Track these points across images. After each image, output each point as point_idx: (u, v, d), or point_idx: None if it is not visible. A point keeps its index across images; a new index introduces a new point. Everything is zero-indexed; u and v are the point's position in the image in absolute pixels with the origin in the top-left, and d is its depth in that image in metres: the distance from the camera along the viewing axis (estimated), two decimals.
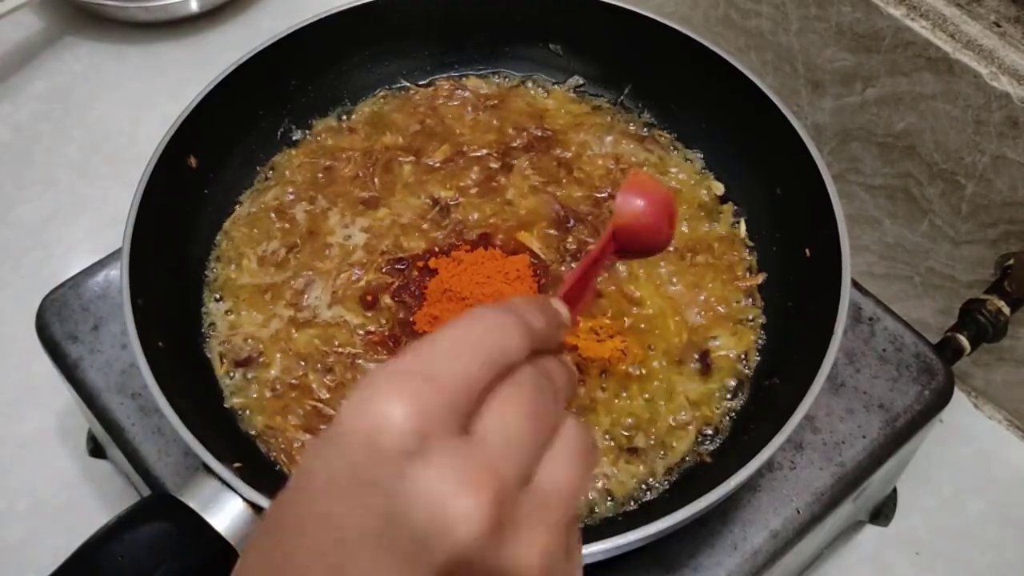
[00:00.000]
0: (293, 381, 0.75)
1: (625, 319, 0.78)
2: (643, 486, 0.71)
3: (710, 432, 0.73)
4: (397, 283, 0.79)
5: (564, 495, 0.38)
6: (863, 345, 0.80)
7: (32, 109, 1.16)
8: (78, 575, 0.58)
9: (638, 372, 0.75)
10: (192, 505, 0.61)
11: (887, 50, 0.87)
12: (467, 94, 0.93)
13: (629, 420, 0.73)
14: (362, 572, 0.34)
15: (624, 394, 0.74)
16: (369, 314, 0.78)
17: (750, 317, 0.79)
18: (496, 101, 0.92)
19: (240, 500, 0.61)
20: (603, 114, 0.91)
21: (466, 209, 0.84)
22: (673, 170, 0.87)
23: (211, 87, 0.81)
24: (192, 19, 1.23)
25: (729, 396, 0.75)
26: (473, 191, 0.85)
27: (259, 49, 0.84)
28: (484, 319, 0.40)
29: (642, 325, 0.78)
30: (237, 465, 0.63)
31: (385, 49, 0.92)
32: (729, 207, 0.85)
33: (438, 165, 0.87)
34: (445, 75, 0.94)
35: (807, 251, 0.77)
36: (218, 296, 0.79)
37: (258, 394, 0.74)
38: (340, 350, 0.76)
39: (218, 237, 0.83)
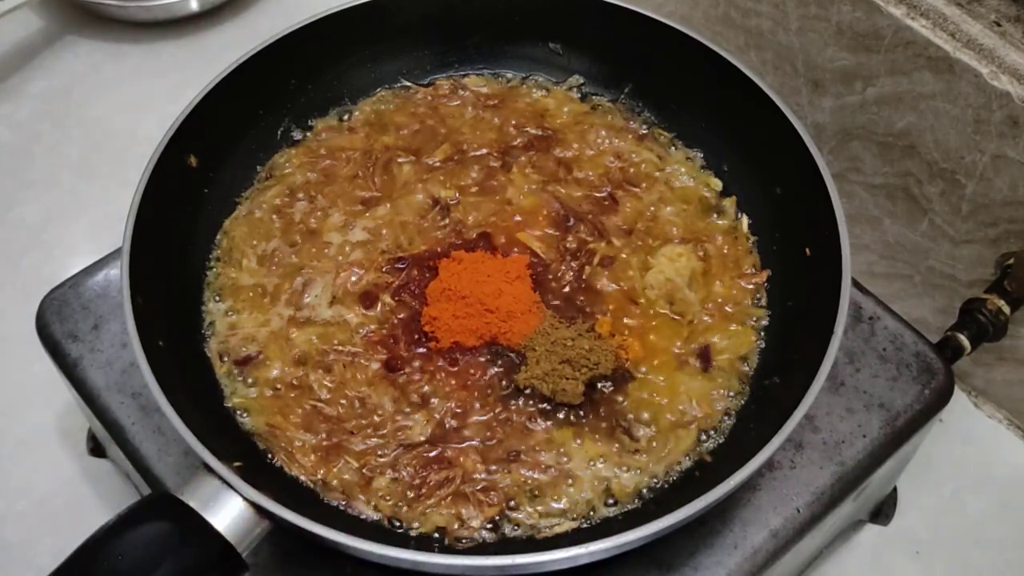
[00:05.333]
0: (293, 381, 0.75)
1: (625, 318, 0.78)
2: (643, 486, 0.71)
3: (710, 432, 0.73)
4: (397, 282, 0.79)
5: None
6: (863, 344, 0.80)
7: (32, 109, 1.16)
8: (78, 574, 0.58)
9: (638, 372, 0.75)
10: (192, 504, 0.61)
11: (887, 49, 0.87)
12: (467, 93, 0.93)
13: (629, 419, 0.73)
14: None
15: (624, 394, 0.74)
16: (369, 313, 0.78)
17: (754, 318, 0.79)
18: (496, 100, 0.92)
19: (240, 499, 0.61)
20: (603, 113, 0.91)
21: (466, 208, 0.84)
22: (673, 168, 0.87)
23: (211, 87, 0.81)
24: (192, 19, 1.23)
25: (730, 395, 0.75)
26: (473, 190, 0.85)
27: (259, 49, 0.84)
28: None
29: (642, 324, 0.78)
30: (237, 464, 0.63)
31: (385, 49, 0.92)
32: (732, 200, 0.85)
33: (438, 164, 0.87)
34: (445, 74, 0.94)
35: (807, 250, 0.77)
36: (218, 295, 0.79)
37: (258, 393, 0.74)
38: (340, 349, 0.76)
39: (218, 237, 0.83)
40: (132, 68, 1.20)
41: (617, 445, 0.72)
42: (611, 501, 0.70)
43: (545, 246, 0.82)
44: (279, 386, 0.75)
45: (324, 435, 0.72)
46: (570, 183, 0.86)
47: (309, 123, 0.90)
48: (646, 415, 0.73)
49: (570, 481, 0.70)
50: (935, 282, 0.95)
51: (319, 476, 0.71)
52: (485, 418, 0.73)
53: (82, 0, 1.22)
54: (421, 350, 0.76)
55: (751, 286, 0.80)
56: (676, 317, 0.78)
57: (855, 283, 0.81)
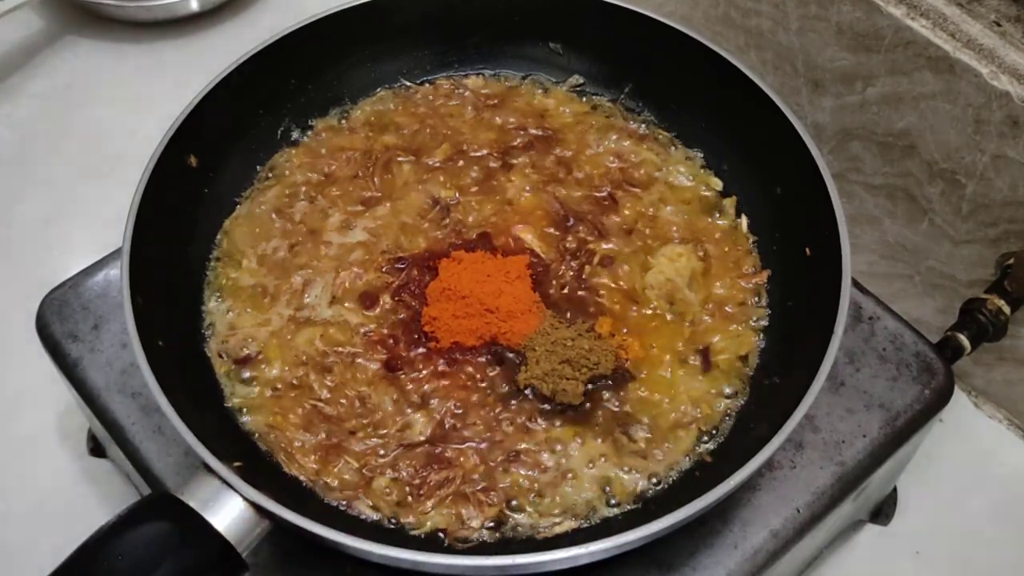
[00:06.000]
0: (293, 380, 0.75)
1: (626, 318, 0.78)
2: (643, 486, 0.71)
3: (710, 432, 0.73)
4: (397, 282, 0.79)
5: None
6: (863, 344, 0.80)
7: (32, 109, 1.16)
8: (78, 574, 0.58)
9: (638, 372, 0.75)
10: (192, 504, 0.61)
11: (887, 49, 0.87)
12: (467, 93, 0.93)
13: (629, 419, 0.73)
14: None
15: (624, 394, 0.74)
16: (369, 313, 0.78)
17: (754, 318, 0.79)
18: (496, 100, 0.92)
19: (240, 499, 0.61)
20: (603, 113, 0.91)
21: (466, 208, 0.84)
22: (673, 168, 0.87)
23: (211, 87, 0.81)
24: (192, 18, 1.23)
25: (729, 395, 0.75)
26: (473, 190, 0.85)
27: (259, 48, 0.84)
28: None
29: (642, 324, 0.78)
30: (237, 464, 0.63)
31: (385, 48, 0.92)
32: (732, 200, 0.85)
33: (438, 164, 0.87)
34: (445, 74, 0.94)
35: (807, 250, 0.77)
36: (218, 295, 0.79)
37: (258, 393, 0.74)
38: (340, 349, 0.76)
39: (218, 236, 0.83)
40: (132, 68, 1.20)
41: (617, 445, 0.72)
42: (611, 501, 0.70)
43: (545, 246, 0.82)
44: (279, 386, 0.75)
45: (324, 435, 0.72)
46: (570, 183, 0.86)
47: (309, 123, 0.90)
48: (646, 415, 0.73)
49: (570, 481, 0.71)
50: (935, 282, 0.95)
51: (319, 476, 0.71)
52: (485, 418, 0.73)
53: (82, 0, 1.22)
54: (421, 350, 0.76)
55: (751, 286, 0.80)
56: (676, 317, 0.78)
57: (855, 283, 0.81)
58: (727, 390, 0.75)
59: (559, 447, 0.72)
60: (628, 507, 0.70)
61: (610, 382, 0.74)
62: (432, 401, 0.73)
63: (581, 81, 0.94)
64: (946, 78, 0.83)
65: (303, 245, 0.82)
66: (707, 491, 0.62)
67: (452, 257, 0.80)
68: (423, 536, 0.68)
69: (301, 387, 0.74)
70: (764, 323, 0.79)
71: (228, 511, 0.61)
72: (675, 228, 0.83)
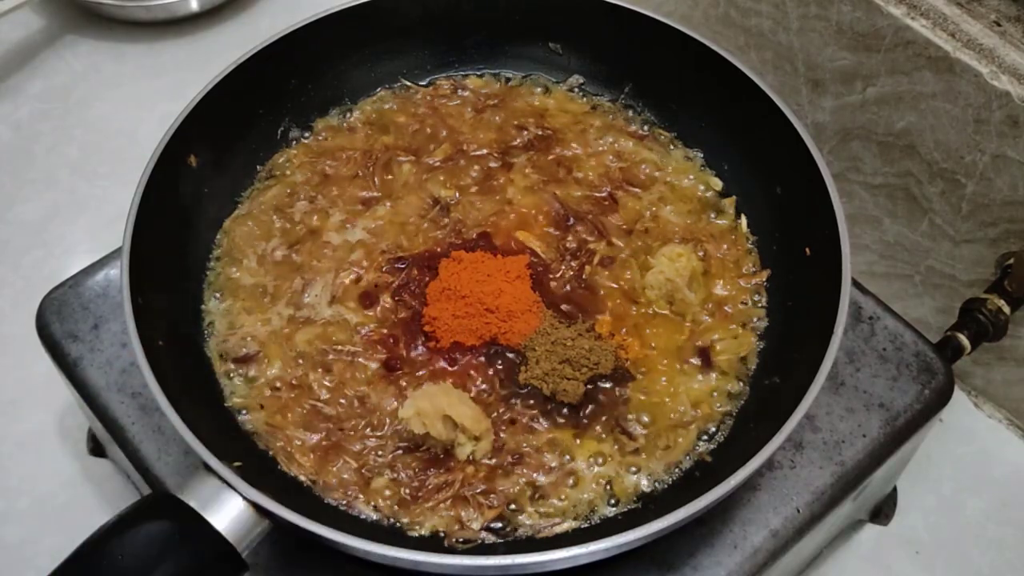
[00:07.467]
0: (293, 380, 0.75)
1: (626, 318, 0.78)
2: (643, 486, 0.71)
3: (710, 431, 0.73)
4: (397, 282, 0.79)
5: None
6: (863, 344, 0.80)
7: (32, 108, 1.16)
8: (78, 574, 0.58)
9: (638, 372, 0.75)
10: (192, 504, 0.61)
11: (887, 49, 0.87)
12: (467, 93, 0.93)
13: (629, 419, 0.73)
14: None
15: (624, 394, 0.74)
16: (369, 313, 0.78)
17: (754, 318, 0.79)
18: (496, 100, 0.92)
19: (240, 499, 0.61)
20: (603, 113, 0.91)
21: (466, 208, 0.84)
22: (673, 168, 0.87)
23: (211, 86, 0.81)
24: (192, 18, 1.23)
25: (730, 395, 0.75)
26: (473, 190, 0.85)
27: (259, 48, 0.84)
28: None
29: (642, 324, 0.78)
30: (237, 464, 0.63)
31: (385, 49, 0.92)
32: (732, 200, 0.85)
33: (438, 164, 0.87)
34: (445, 74, 0.94)
35: (807, 250, 0.77)
36: (218, 295, 0.79)
37: (258, 393, 0.74)
38: (340, 348, 0.76)
39: (218, 236, 0.83)
40: (132, 68, 1.21)
41: (617, 445, 0.72)
42: (612, 501, 0.70)
43: (545, 246, 0.82)
44: (279, 385, 0.75)
45: (323, 435, 0.72)
46: (570, 183, 0.86)
47: (309, 123, 0.90)
48: (646, 415, 0.73)
49: (571, 481, 0.70)
50: (935, 282, 0.95)
51: (318, 476, 0.71)
52: None
53: (82, 0, 1.22)
54: (421, 350, 0.76)
55: (751, 286, 0.80)
56: (676, 317, 0.78)
57: (855, 283, 0.81)
58: (727, 390, 0.75)
59: (560, 448, 0.72)
60: (628, 507, 0.70)
61: (610, 382, 0.74)
62: None
63: (581, 81, 0.94)
64: (946, 78, 0.83)
65: (303, 245, 0.82)
66: (707, 491, 0.62)
67: (452, 257, 0.80)
68: (423, 536, 0.68)
69: (301, 387, 0.74)
70: (764, 323, 0.79)
71: (228, 511, 0.61)
72: (675, 228, 0.83)
